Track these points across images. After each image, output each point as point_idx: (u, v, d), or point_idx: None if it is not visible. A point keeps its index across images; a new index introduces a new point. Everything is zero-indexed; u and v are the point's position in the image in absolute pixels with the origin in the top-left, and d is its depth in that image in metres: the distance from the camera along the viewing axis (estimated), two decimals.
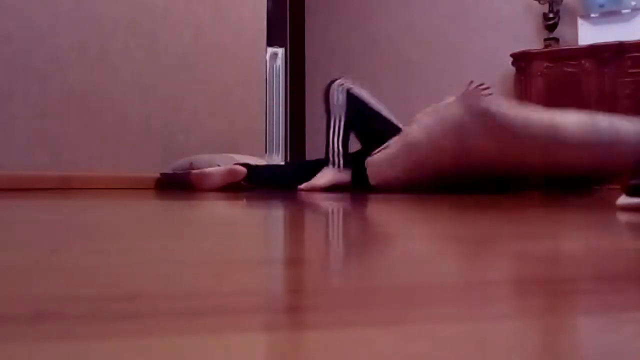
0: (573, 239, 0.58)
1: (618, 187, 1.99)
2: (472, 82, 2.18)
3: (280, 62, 4.43)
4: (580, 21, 4.22)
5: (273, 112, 4.37)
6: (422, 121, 2.14)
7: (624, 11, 4.08)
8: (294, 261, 0.42)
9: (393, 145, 2.28)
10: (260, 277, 0.35)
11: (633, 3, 4.04)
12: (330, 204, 1.34)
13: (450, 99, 2.12)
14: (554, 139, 1.90)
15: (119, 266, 0.38)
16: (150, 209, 1.14)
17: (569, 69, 4.05)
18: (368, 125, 2.58)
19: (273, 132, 4.37)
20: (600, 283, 0.33)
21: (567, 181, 2.11)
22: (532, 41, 4.47)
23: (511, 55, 4.28)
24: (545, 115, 1.96)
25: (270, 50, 4.23)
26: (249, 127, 3.36)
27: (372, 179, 2.39)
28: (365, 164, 2.42)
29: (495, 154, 1.94)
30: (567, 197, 1.76)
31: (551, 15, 4.31)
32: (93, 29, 2.72)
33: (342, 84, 2.63)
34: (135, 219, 0.82)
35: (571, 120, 1.96)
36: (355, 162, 2.50)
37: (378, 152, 2.37)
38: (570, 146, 1.92)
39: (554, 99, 4.08)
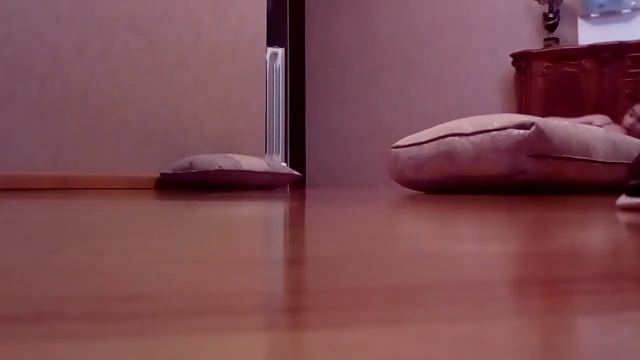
0: (573, 238, 0.58)
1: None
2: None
3: (280, 62, 4.43)
4: (580, 21, 4.22)
5: (273, 112, 4.37)
6: (471, 138, 2.01)
7: (624, 11, 4.08)
8: (294, 261, 0.42)
9: (427, 149, 2.14)
10: (260, 277, 0.35)
11: (633, 3, 4.04)
12: (330, 203, 1.34)
13: (500, 118, 2.02)
14: (588, 160, 2.03)
15: (119, 266, 0.38)
16: (150, 209, 1.14)
17: (569, 69, 4.05)
18: None
19: (273, 132, 4.37)
20: (600, 283, 0.33)
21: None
22: (532, 41, 4.48)
23: (511, 55, 4.28)
24: (581, 136, 2.04)
25: (270, 50, 4.23)
26: (249, 127, 3.36)
27: (392, 174, 2.33)
28: (387, 152, 2.36)
29: (545, 177, 1.93)
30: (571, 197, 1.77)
31: (551, 15, 4.31)
32: (93, 29, 2.72)
33: None
34: (135, 219, 0.82)
35: (599, 140, 2.11)
36: None
37: (407, 146, 2.24)
38: (599, 165, 2.07)
39: (554, 99, 4.08)
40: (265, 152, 3.77)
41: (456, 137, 2.05)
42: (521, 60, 4.21)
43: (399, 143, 2.30)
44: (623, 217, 0.88)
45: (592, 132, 2.13)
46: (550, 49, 4.19)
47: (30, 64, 2.52)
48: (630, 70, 3.89)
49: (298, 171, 3.34)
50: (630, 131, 3.01)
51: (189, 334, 0.21)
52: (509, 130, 1.92)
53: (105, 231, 0.63)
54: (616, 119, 3.84)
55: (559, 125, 1.99)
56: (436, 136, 2.12)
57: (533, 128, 1.88)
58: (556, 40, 4.30)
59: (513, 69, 4.33)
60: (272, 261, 0.42)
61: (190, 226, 0.70)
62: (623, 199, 1.04)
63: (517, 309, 0.26)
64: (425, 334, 0.21)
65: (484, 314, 0.24)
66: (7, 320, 0.23)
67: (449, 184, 2.11)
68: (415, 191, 2.40)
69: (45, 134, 2.55)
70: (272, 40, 4.44)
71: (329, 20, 5.32)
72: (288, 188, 3.28)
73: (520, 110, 4.17)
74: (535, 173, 1.91)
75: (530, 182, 1.94)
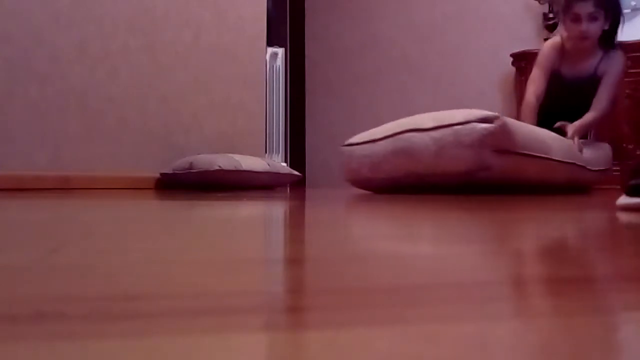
0: (573, 238, 0.58)
1: (618, 187, 2.04)
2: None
3: (280, 62, 4.43)
4: None
5: (273, 112, 4.36)
6: (431, 134, 1.90)
7: (624, 11, 4.07)
8: (294, 261, 0.42)
9: (382, 146, 2.02)
10: (260, 277, 0.35)
11: (633, 3, 4.04)
12: (330, 203, 1.34)
13: (462, 112, 1.92)
14: (547, 158, 2.01)
15: (118, 266, 0.37)
16: (150, 209, 1.14)
17: None
18: None
19: (273, 132, 4.37)
20: (600, 283, 0.33)
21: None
22: (532, 41, 4.47)
23: (511, 55, 4.27)
24: (540, 134, 2.04)
25: (270, 50, 4.23)
26: (249, 127, 3.36)
27: (346, 173, 2.20)
28: (340, 151, 2.21)
29: (508, 173, 1.89)
30: (561, 197, 1.76)
31: (551, 15, 4.31)
32: (93, 29, 2.72)
33: None
34: (135, 219, 0.82)
35: (555, 139, 2.12)
36: None
37: (361, 143, 2.11)
38: (557, 164, 2.05)
39: None
40: (265, 152, 3.77)
41: (415, 133, 1.93)
42: (521, 60, 4.21)
43: (352, 140, 2.17)
44: (623, 217, 0.88)
45: (548, 132, 2.12)
46: None
47: (30, 64, 2.51)
48: (630, 70, 3.88)
49: (298, 171, 3.33)
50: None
51: (189, 334, 0.21)
52: (473, 124, 1.82)
53: (105, 231, 0.63)
54: (616, 119, 3.83)
55: (518, 122, 2.01)
56: (392, 132, 2.01)
57: (497, 122, 1.81)
58: None
59: (513, 69, 4.32)
60: (272, 261, 0.42)
61: (190, 226, 0.70)
62: (623, 199, 1.04)
63: (517, 309, 0.26)
64: (425, 334, 0.21)
65: (484, 314, 0.24)
66: (7, 320, 0.23)
67: (408, 182, 1.99)
68: (398, 193, 2.37)
69: (45, 133, 2.55)
70: (272, 40, 4.44)
71: (329, 20, 5.32)
72: (288, 188, 3.28)
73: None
74: (499, 169, 1.83)
75: (493, 180, 1.87)
